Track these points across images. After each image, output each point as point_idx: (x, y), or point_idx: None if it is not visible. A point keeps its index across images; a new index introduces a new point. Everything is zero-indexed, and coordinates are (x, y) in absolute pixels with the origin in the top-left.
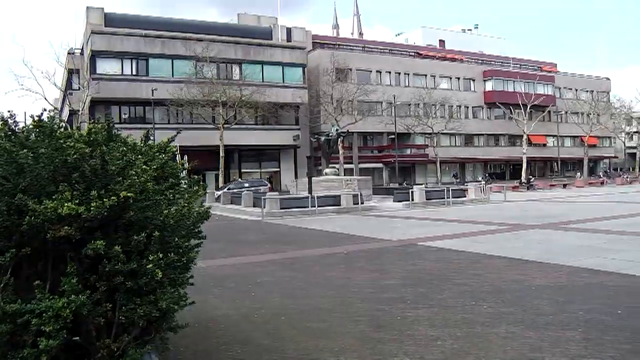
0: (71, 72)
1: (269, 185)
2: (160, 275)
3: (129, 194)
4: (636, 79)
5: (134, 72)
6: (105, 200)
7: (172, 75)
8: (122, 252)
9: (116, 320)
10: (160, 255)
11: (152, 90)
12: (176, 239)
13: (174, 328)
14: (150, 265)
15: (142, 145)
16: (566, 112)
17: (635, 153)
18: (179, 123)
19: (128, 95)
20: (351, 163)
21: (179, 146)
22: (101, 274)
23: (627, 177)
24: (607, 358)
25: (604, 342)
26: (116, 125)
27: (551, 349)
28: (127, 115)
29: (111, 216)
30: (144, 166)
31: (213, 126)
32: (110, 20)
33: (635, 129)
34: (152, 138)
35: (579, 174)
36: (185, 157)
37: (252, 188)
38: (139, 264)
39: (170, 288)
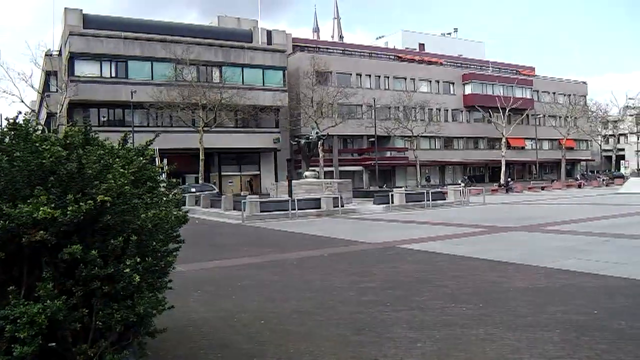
0: (49, 74)
1: (216, 189)
2: (138, 280)
3: (106, 198)
4: (612, 84)
5: (113, 75)
6: (81, 204)
7: (152, 78)
8: (99, 257)
9: (93, 326)
10: (138, 260)
11: (132, 93)
12: (154, 243)
13: (152, 333)
14: (128, 270)
15: (120, 148)
16: (544, 116)
17: (611, 156)
18: (159, 126)
19: (107, 97)
20: (331, 166)
21: (159, 149)
22: (77, 278)
23: (603, 180)
24: (583, 358)
25: (580, 343)
26: (95, 128)
27: (529, 350)
28: (106, 118)
29: (88, 220)
30: (122, 170)
31: (193, 129)
32: (89, 21)
33: (611, 132)
34: (130, 141)
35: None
36: (165, 160)
37: (198, 193)
38: (116, 268)
39: (148, 292)
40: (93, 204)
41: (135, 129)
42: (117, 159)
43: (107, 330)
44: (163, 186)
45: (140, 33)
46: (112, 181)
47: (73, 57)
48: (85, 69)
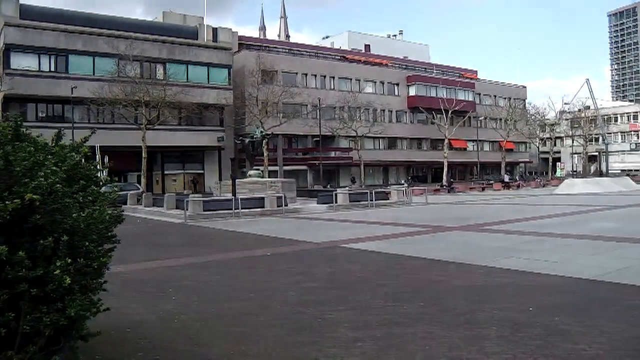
0: None
1: (141, 189)
2: (69, 282)
3: (34, 197)
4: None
5: (53, 69)
6: (7, 202)
7: (94, 73)
8: (27, 258)
9: (20, 330)
10: (69, 261)
11: (72, 88)
12: (87, 243)
13: (85, 336)
14: (58, 271)
15: (53, 145)
16: (485, 118)
17: (548, 158)
18: (100, 122)
19: (46, 92)
20: (276, 165)
21: (100, 146)
22: (3, 281)
23: (541, 181)
24: (518, 353)
25: (516, 339)
26: (33, 124)
27: (467, 347)
28: (44, 114)
29: (15, 220)
30: (54, 167)
31: (136, 126)
32: (27, 12)
33: (548, 135)
34: (70, 138)
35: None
36: (106, 158)
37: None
38: (45, 270)
39: (80, 295)
40: (20, 202)
41: (76, 125)
42: (50, 156)
43: (35, 334)
44: (102, 184)
45: (82, 26)
46: (43, 179)
47: (9, 49)
48: (22, 62)
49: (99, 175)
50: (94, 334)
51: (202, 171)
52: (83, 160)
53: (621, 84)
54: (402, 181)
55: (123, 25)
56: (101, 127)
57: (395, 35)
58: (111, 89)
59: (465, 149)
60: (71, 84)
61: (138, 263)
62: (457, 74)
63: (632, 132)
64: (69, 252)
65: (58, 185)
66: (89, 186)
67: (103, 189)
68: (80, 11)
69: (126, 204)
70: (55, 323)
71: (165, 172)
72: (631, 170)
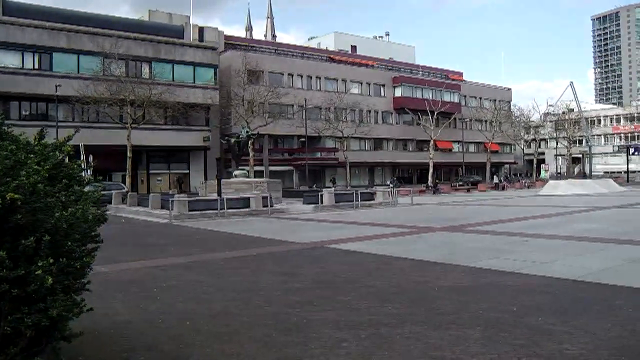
0: None
1: (125, 188)
2: (51, 282)
3: (16, 196)
4: (535, 91)
5: (36, 66)
6: None
7: (78, 72)
8: (7, 258)
9: (1, 331)
10: (51, 261)
11: (56, 86)
12: (70, 243)
13: (68, 337)
14: (40, 272)
15: (36, 143)
16: (471, 120)
17: (532, 160)
18: (85, 121)
19: (29, 90)
20: (261, 165)
21: (84, 145)
22: None
23: (525, 182)
24: (502, 353)
25: (499, 339)
26: (16, 123)
27: (452, 347)
28: (28, 112)
29: None
30: (36, 166)
31: (121, 125)
32: (10, 9)
33: (532, 137)
34: (53, 137)
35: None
36: (91, 157)
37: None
38: (27, 270)
39: (62, 295)
40: (1, 202)
41: (60, 124)
42: (32, 155)
43: (16, 335)
44: (85, 183)
45: (67, 24)
46: (24, 178)
47: None
48: (4, 59)
49: (82, 175)
50: (76, 334)
51: (187, 171)
52: (67, 159)
53: (604, 87)
54: (388, 182)
55: (108, 24)
56: (86, 126)
57: (381, 37)
58: (96, 87)
59: (450, 150)
60: (55, 82)
61: (123, 263)
62: (442, 76)
63: (615, 135)
64: (51, 252)
65: (40, 184)
66: (71, 185)
67: (86, 188)
68: (65, 8)
69: (111, 204)
70: (37, 324)
71: (151, 172)
72: (614, 172)
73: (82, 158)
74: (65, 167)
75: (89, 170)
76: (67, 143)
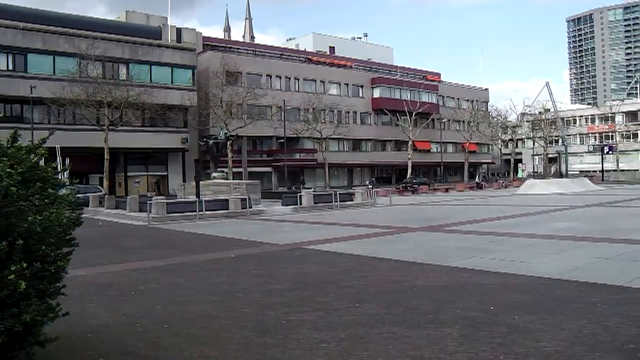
0: None
1: (103, 191)
2: (24, 286)
3: None
4: (511, 92)
5: (10, 67)
6: None
7: (54, 73)
8: None
9: None
10: (25, 265)
11: (31, 88)
12: (44, 247)
13: (43, 342)
14: (13, 276)
15: (8, 146)
16: (449, 120)
17: (510, 159)
18: (61, 123)
19: (3, 91)
20: (240, 167)
21: (60, 148)
22: None
23: (503, 182)
24: (480, 352)
25: (477, 338)
26: None
27: (430, 347)
28: (1, 114)
29: None
30: (9, 169)
31: (98, 127)
32: None
33: (510, 137)
34: (22, 138)
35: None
36: (67, 159)
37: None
38: (0, 274)
39: (37, 299)
40: None
41: (35, 126)
42: (5, 158)
43: None
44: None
45: (42, 25)
46: None
47: None
48: None
49: (59, 177)
50: (51, 339)
51: (165, 173)
52: (42, 161)
53: (580, 87)
54: (367, 182)
55: (84, 24)
56: (62, 128)
57: (360, 38)
58: (72, 89)
59: (429, 151)
60: (30, 83)
61: (100, 266)
62: (420, 77)
63: (590, 134)
64: (25, 256)
65: (13, 188)
66: (46, 189)
67: (62, 191)
68: (40, 9)
69: (88, 207)
70: (10, 329)
71: (128, 174)
72: (589, 171)
73: (58, 160)
74: (39, 170)
75: (65, 173)
76: (42, 145)
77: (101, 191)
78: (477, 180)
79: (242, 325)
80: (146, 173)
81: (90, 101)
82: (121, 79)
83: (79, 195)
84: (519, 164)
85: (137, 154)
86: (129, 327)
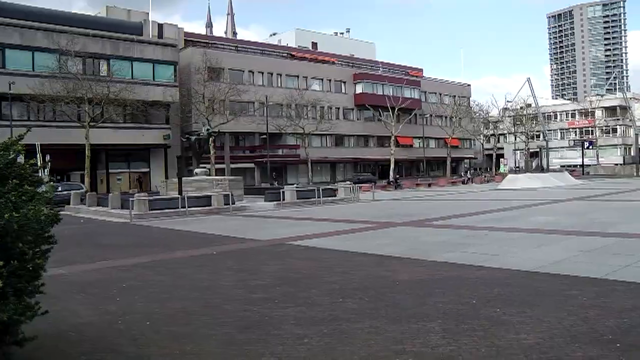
0: None
1: (84, 188)
2: (1, 285)
3: None
4: (492, 87)
5: None
6: None
7: (33, 69)
8: None
9: None
10: (1, 263)
11: (10, 84)
12: (21, 244)
13: (21, 341)
14: None
15: None
16: (431, 115)
17: (492, 154)
18: (41, 120)
19: None
20: (223, 163)
21: (40, 144)
22: None
23: (485, 177)
24: (462, 345)
25: (459, 331)
26: None
27: (412, 340)
28: None
29: None
30: None
31: (79, 124)
32: None
33: (491, 132)
34: (3, 136)
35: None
36: (48, 156)
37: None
38: None
39: (14, 298)
40: None
41: (14, 123)
42: None
43: None
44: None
45: (19, 19)
46: None
47: None
48: None
49: (39, 174)
50: (30, 338)
51: (147, 170)
52: (21, 158)
53: (560, 82)
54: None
55: (63, 20)
56: (42, 125)
57: (342, 33)
58: (52, 85)
59: (411, 146)
60: (8, 79)
61: (82, 264)
62: (403, 72)
63: (571, 129)
64: (1, 254)
65: None
66: (22, 185)
67: (40, 188)
68: (17, 3)
69: (69, 204)
70: None
71: (110, 171)
72: (570, 165)
73: (38, 157)
74: (16, 167)
75: (45, 170)
76: (19, 142)
77: (82, 188)
78: (467, 175)
79: (223, 321)
80: (128, 170)
81: (71, 97)
82: (102, 75)
83: (61, 192)
84: (501, 159)
85: (119, 150)
86: (112, 324)
